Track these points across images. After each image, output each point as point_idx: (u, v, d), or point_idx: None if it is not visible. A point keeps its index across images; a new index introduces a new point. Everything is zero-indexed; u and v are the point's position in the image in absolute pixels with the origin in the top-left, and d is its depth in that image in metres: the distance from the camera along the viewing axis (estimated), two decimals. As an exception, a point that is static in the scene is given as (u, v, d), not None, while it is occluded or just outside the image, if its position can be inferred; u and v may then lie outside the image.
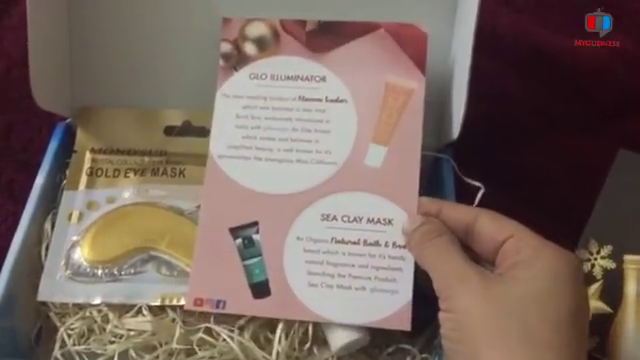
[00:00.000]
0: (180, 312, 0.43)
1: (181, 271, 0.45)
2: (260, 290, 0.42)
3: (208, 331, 0.43)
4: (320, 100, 0.45)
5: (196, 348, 0.42)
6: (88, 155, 0.49)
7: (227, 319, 0.43)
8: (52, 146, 0.50)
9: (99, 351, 0.42)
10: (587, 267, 0.50)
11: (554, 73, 0.60)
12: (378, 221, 0.43)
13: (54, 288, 0.44)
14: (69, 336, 0.43)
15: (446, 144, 0.49)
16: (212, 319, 0.43)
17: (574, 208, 0.52)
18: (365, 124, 0.45)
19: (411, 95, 0.45)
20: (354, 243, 0.43)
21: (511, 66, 0.61)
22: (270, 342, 0.42)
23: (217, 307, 0.42)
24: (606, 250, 0.50)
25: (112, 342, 0.42)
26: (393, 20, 0.47)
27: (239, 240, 0.43)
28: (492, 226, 0.38)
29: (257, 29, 0.47)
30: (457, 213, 0.40)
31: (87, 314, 0.43)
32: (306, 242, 0.43)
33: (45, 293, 0.44)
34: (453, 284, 0.37)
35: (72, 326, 0.43)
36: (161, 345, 0.42)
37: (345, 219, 0.43)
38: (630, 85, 0.58)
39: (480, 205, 0.45)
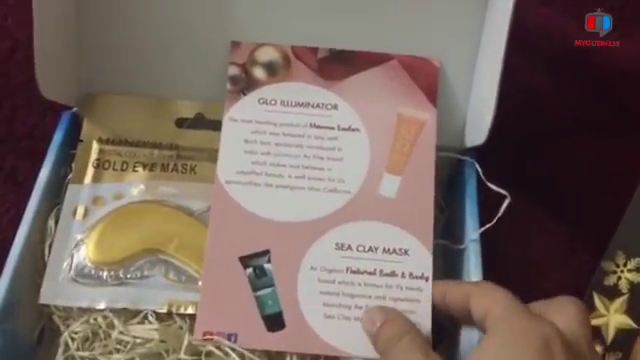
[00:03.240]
0: (188, 320, 0.41)
1: (189, 277, 0.43)
2: (274, 322, 0.41)
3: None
4: (332, 128, 0.45)
5: (204, 360, 0.40)
6: (95, 145, 0.47)
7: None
8: (57, 136, 0.47)
9: (103, 359, 0.41)
10: (613, 279, 0.48)
11: (584, 71, 0.57)
12: (394, 251, 0.42)
13: (57, 290, 0.42)
14: (72, 340, 0.42)
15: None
16: (222, 329, 0.41)
17: (602, 217, 0.50)
18: (378, 153, 0.44)
19: (423, 126, 0.45)
20: (370, 273, 0.42)
21: (540, 62, 0.58)
22: (282, 354, 0.41)
23: (229, 340, 0.40)
24: (634, 262, 0.48)
25: (117, 350, 0.41)
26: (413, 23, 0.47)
27: (250, 270, 0.41)
28: (477, 305, 0.37)
29: (267, 54, 0.46)
30: (454, 295, 0.39)
31: (92, 320, 0.41)
32: (320, 272, 0.42)
33: (47, 296, 0.42)
34: None
35: (76, 329, 0.42)
36: (168, 354, 0.41)
37: (360, 249, 0.42)
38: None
39: (504, 213, 0.43)
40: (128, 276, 0.42)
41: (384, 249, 0.42)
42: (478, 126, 0.45)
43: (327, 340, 0.40)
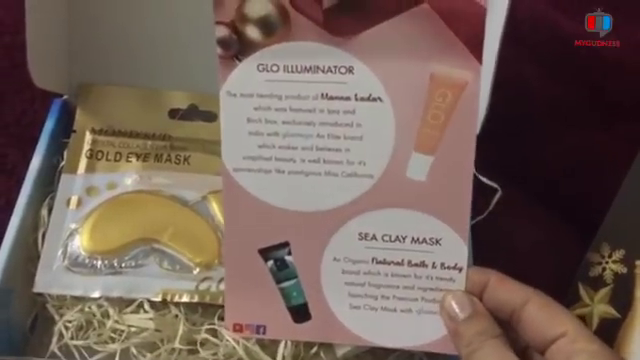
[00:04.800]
0: (183, 309, 0.42)
1: (184, 266, 0.43)
2: (299, 314, 0.40)
3: (212, 330, 0.41)
4: (348, 99, 0.37)
5: (200, 349, 0.40)
6: (88, 136, 0.47)
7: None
8: (48, 125, 0.47)
9: (99, 348, 0.41)
10: (598, 270, 0.49)
11: (571, 63, 0.58)
12: (424, 241, 0.38)
13: (51, 279, 0.42)
14: (67, 329, 0.42)
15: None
16: (216, 318, 0.41)
17: (589, 209, 0.51)
18: (405, 128, 0.37)
19: (463, 89, 0.36)
20: (397, 264, 0.38)
21: (528, 54, 0.59)
22: (275, 341, 0.41)
23: (257, 332, 0.40)
24: (618, 254, 0.49)
25: (112, 338, 0.41)
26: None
27: (270, 262, 0.39)
28: (543, 316, 0.35)
29: (259, 7, 0.37)
30: (504, 292, 0.36)
31: (86, 309, 0.42)
32: (344, 263, 0.39)
33: (42, 284, 0.42)
34: None
35: (70, 318, 0.42)
36: (163, 343, 0.41)
37: (386, 238, 0.38)
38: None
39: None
40: (122, 265, 0.42)
41: (413, 239, 0.38)
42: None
43: (354, 330, 0.39)
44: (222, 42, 0.38)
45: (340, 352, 0.41)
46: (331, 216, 0.39)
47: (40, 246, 0.43)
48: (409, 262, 0.38)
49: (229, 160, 0.39)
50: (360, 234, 0.39)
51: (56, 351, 0.41)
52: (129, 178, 0.45)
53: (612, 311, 0.48)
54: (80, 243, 0.43)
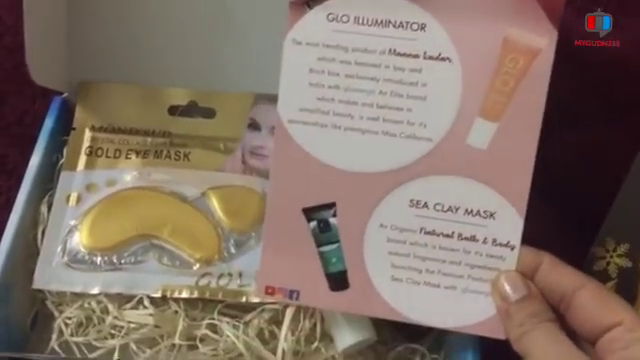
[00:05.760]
0: (183, 304, 0.41)
1: (183, 262, 0.43)
2: (337, 281, 0.38)
3: (212, 325, 0.41)
4: (417, 56, 0.36)
5: (199, 345, 0.40)
6: (87, 133, 0.47)
7: (232, 312, 0.41)
8: (48, 123, 0.47)
9: (98, 344, 0.40)
10: (602, 265, 0.49)
11: (572, 63, 0.58)
12: (477, 213, 0.37)
13: (50, 275, 0.42)
14: (66, 325, 0.42)
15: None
16: (216, 313, 0.41)
17: (592, 204, 0.51)
18: (472, 92, 0.36)
19: (536, 56, 0.35)
20: (447, 236, 0.37)
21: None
22: (275, 336, 0.41)
23: (290, 297, 0.38)
24: (623, 248, 0.48)
25: (112, 335, 0.41)
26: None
27: (314, 223, 0.38)
28: (596, 304, 0.34)
29: None
30: (556, 276, 0.35)
31: (86, 305, 0.41)
32: (390, 231, 0.37)
33: (41, 280, 0.42)
34: None
35: (70, 315, 0.42)
36: (162, 339, 0.41)
37: (438, 207, 0.37)
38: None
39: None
40: (122, 261, 0.42)
41: (466, 210, 0.37)
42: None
43: (392, 304, 0.37)
44: None
45: (341, 347, 0.41)
46: (383, 179, 0.37)
47: (40, 243, 0.43)
48: (459, 235, 0.37)
49: (285, 111, 0.38)
50: (411, 201, 0.37)
51: (56, 347, 0.41)
52: (128, 175, 0.45)
53: (617, 306, 0.48)
54: (79, 239, 0.43)
